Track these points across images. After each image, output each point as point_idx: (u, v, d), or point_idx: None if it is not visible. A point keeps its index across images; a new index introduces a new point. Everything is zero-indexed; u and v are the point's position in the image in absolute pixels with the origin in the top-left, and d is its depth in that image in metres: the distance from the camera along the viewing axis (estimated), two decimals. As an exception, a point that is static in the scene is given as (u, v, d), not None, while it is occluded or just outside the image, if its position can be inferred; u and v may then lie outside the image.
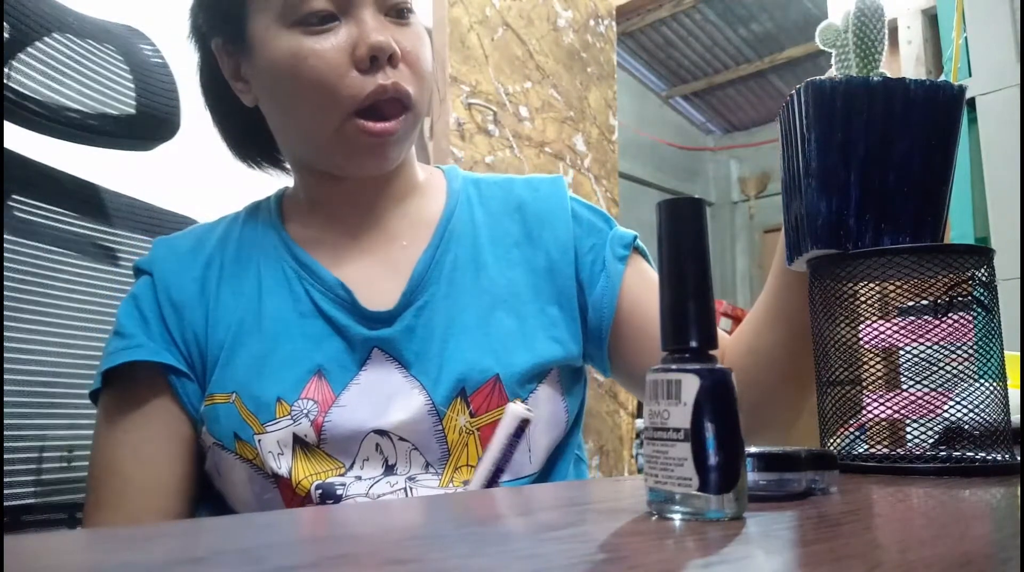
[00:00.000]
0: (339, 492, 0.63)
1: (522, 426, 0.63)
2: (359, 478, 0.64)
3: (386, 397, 0.66)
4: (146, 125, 0.91)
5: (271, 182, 0.83)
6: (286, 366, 0.67)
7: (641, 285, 0.75)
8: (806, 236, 0.55)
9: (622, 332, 0.74)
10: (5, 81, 0.79)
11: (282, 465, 0.63)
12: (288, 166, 0.80)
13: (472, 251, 0.73)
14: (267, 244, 0.73)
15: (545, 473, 0.70)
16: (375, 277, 0.71)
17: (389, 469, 0.65)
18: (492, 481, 0.63)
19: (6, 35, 0.78)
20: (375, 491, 0.63)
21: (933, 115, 0.54)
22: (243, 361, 0.67)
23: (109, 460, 0.68)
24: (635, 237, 0.79)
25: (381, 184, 0.74)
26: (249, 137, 0.78)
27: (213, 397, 0.67)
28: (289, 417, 0.65)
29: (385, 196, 0.75)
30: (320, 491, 0.63)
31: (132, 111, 0.89)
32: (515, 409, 0.63)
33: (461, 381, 0.66)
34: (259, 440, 0.64)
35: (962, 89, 0.55)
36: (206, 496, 0.71)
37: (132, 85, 0.89)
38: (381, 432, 0.65)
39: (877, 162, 0.53)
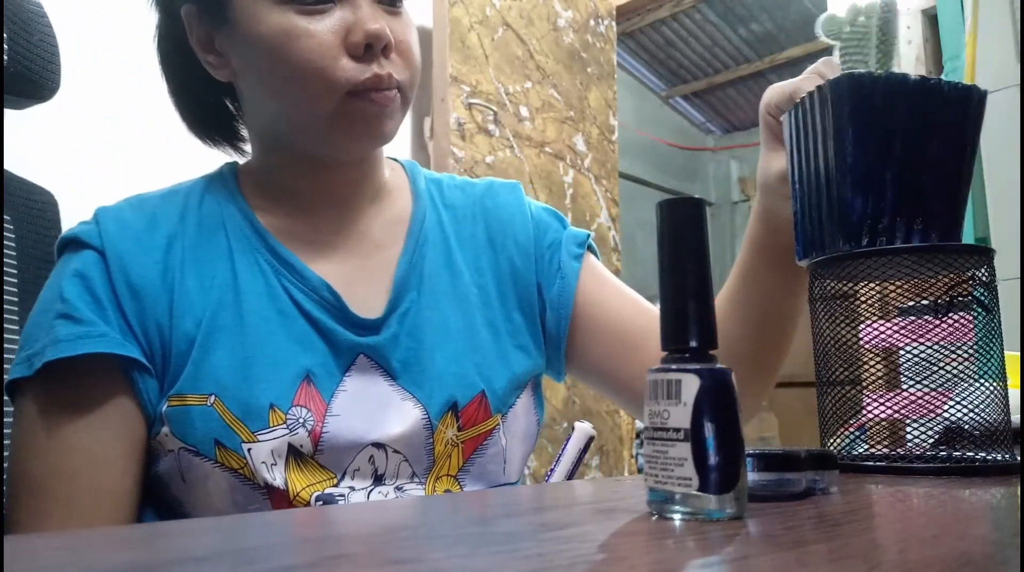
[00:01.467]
0: (340, 502, 0.62)
1: (589, 443, 0.64)
2: (352, 489, 0.63)
3: (377, 407, 0.64)
4: (19, 82, 0.78)
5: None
6: (274, 369, 0.62)
7: (595, 282, 0.76)
8: (836, 233, 0.54)
9: (579, 328, 0.75)
10: None
11: (276, 476, 0.60)
12: (246, 147, 0.76)
13: (445, 255, 0.73)
14: (234, 228, 0.68)
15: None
16: (355, 279, 0.69)
17: (378, 479, 0.64)
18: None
19: None
20: (372, 500, 0.63)
21: (964, 116, 0.54)
22: (222, 360, 0.62)
23: (54, 463, 0.60)
24: (588, 236, 0.79)
25: (357, 178, 0.72)
26: (211, 113, 0.75)
27: (184, 398, 0.61)
28: (284, 426, 0.61)
29: (359, 193, 0.72)
30: (321, 503, 0.61)
31: (3, 64, 0.75)
32: (583, 428, 0.64)
33: (453, 396, 0.66)
34: (249, 449, 0.60)
35: (986, 92, 0.55)
36: (151, 501, 0.65)
37: (3, 34, 0.75)
38: (378, 444, 0.63)
39: (913, 160, 0.53)
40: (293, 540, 0.30)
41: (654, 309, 0.77)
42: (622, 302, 0.76)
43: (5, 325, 0.76)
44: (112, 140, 1.82)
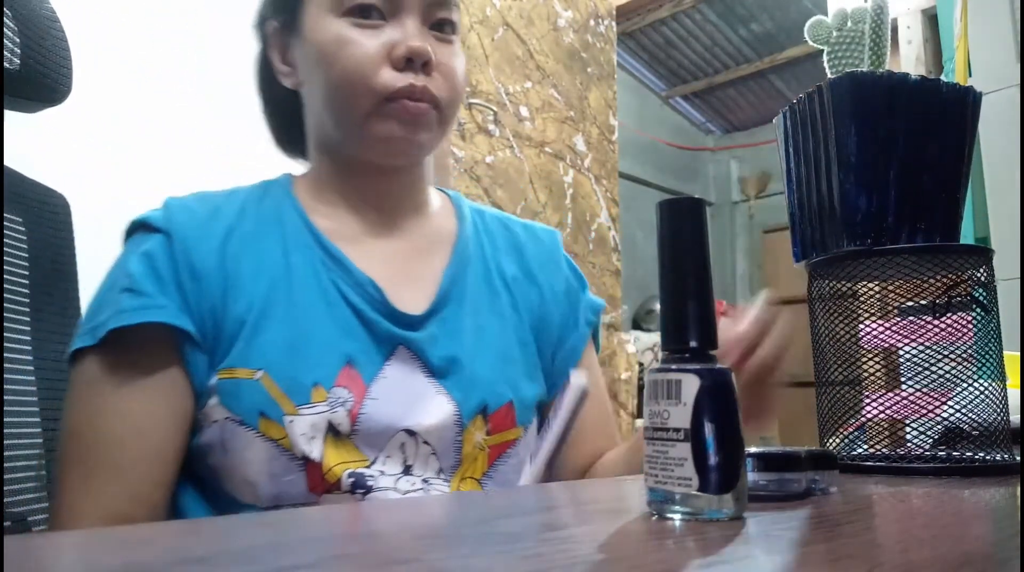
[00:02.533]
0: (369, 483, 0.64)
1: (583, 398, 0.64)
2: (382, 473, 0.65)
3: (414, 397, 0.68)
4: (32, 86, 0.79)
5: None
6: (319, 351, 0.67)
7: (589, 360, 0.82)
8: (839, 233, 0.54)
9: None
10: None
11: (313, 449, 0.63)
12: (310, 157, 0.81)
13: (485, 276, 0.78)
14: (290, 227, 0.73)
15: None
16: (400, 281, 0.73)
17: (407, 469, 0.66)
18: (556, 453, 0.64)
19: None
20: (400, 487, 0.65)
21: (963, 117, 0.54)
22: (272, 339, 0.67)
23: (104, 429, 0.64)
24: (602, 306, 0.86)
25: (404, 187, 0.78)
26: (293, 124, 0.81)
27: (233, 371, 0.66)
28: (326, 403, 0.65)
29: (406, 203, 0.78)
30: (353, 480, 0.64)
31: (16, 68, 0.76)
32: (576, 382, 0.63)
33: (484, 400, 0.70)
34: (290, 421, 0.64)
35: (981, 94, 0.55)
36: (187, 473, 0.68)
37: (17, 39, 0.76)
38: (410, 432, 0.67)
39: (913, 160, 0.53)
40: (293, 540, 0.30)
41: (611, 425, 0.85)
42: (600, 393, 0.83)
43: (18, 324, 0.77)
44: (122, 143, 1.83)
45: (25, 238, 0.81)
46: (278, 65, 0.77)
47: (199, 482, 0.68)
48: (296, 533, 0.32)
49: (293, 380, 0.65)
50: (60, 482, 0.65)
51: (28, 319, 0.79)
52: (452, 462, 0.68)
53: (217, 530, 0.33)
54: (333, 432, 0.64)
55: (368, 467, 0.65)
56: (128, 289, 0.66)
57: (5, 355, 0.74)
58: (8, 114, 0.79)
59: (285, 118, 0.82)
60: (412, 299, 0.72)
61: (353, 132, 0.72)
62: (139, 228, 0.71)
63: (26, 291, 0.80)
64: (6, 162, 0.80)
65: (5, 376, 0.74)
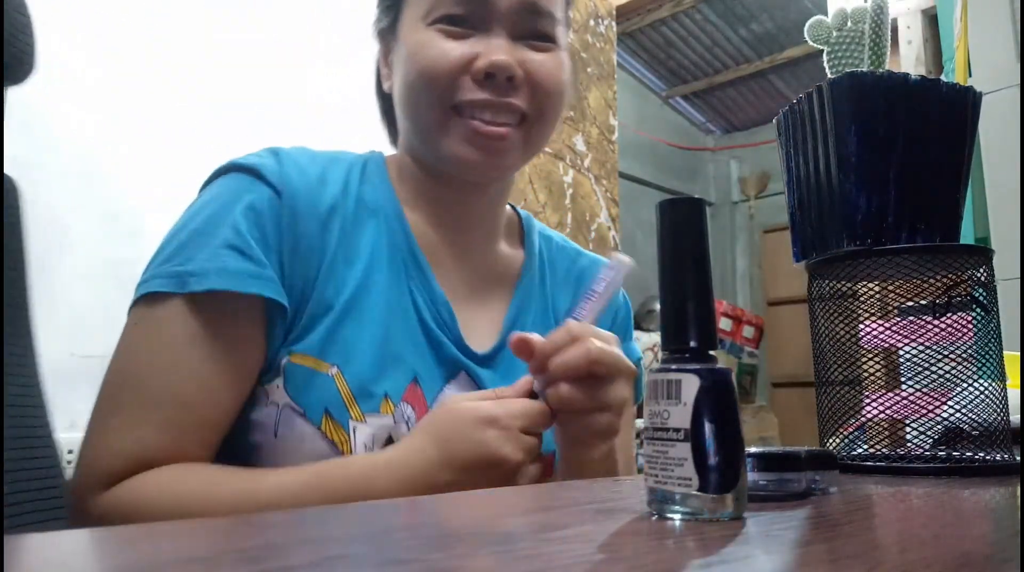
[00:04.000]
0: None
1: (621, 269, 0.64)
2: None
3: None
4: None
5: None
6: (393, 362, 0.66)
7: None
8: (839, 233, 0.54)
9: None
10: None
11: None
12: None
13: (543, 315, 0.78)
14: (386, 220, 0.71)
15: None
16: (466, 306, 0.73)
17: None
18: (586, 308, 0.64)
19: None
20: None
21: (963, 117, 0.54)
22: (353, 338, 0.64)
23: (175, 386, 0.60)
24: (639, 358, 0.83)
25: (484, 205, 0.76)
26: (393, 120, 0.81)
27: (306, 358, 0.63)
28: (391, 416, 0.64)
29: (485, 224, 0.77)
30: None
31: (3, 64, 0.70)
32: (622, 258, 0.64)
33: None
34: (355, 428, 0.63)
35: (981, 94, 0.55)
36: (225, 441, 0.64)
37: (3, 39, 0.69)
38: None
39: (914, 160, 0.53)
40: (293, 540, 0.30)
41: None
42: (625, 439, 0.80)
43: None
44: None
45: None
46: (381, 66, 0.78)
47: (234, 455, 0.65)
48: (296, 533, 0.32)
49: (365, 385, 0.63)
50: (101, 420, 0.61)
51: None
52: None
53: (217, 530, 0.33)
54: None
55: None
56: (235, 247, 0.61)
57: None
58: None
59: (391, 120, 0.81)
60: (476, 332, 0.72)
61: (427, 143, 0.71)
62: (245, 170, 0.66)
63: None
64: None
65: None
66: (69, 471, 0.86)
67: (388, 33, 0.75)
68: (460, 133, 0.68)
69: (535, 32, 0.70)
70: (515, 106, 0.68)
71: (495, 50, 0.67)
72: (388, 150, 0.81)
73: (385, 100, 0.81)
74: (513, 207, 0.84)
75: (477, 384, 0.69)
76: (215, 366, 0.61)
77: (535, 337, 0.60)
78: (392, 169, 0.77)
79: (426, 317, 0.69)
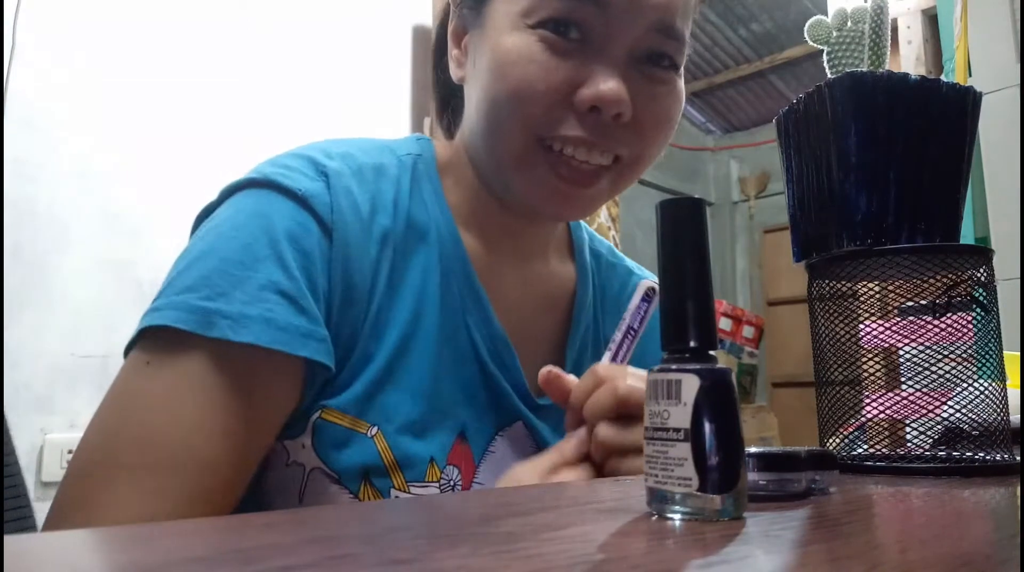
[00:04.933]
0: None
1: (650, 295, 0.58)
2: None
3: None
4: None
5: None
6: (440, 419, 0.58)
7: None
8: (839, 232, 0.54)
9: None
10: None
11: None
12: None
13: (594, 345, 0.71)
14: (437, 239, 0.61)
15: None
16: (523, 341, 0.64)
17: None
18: (628, 347, 0.59)
19: None
20: None
21: (963, 117, 0.54)
22: (399, 395, 0.56)
23: (200, 443, 0.49)
24: None
25: (551, 229, 0.69)
26: (455, 111, 0.71)
27: (343, 417, 0.54)
28: (436, 484, 0.57)
29: (545, 244, 0.68)
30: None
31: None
32: (645, 282, 0.59)
33: None
34: (396, 498, 0.55)
35: (981, 94, 0.55)
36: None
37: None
38: None
39: (914, 160, 0.53)
40: (293, 540, 0.30)
41: None
42: None
43: None
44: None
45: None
46: (451, 47, 0.65)
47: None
48: (296, 533, 0.32)
49: (409, 451, 0.55)
50: (98, 485, 0.48)
51: None
52: None
53: (217, 530, 0.33)
54: None
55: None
56: (284, 294, 0.51)
57: None
58: None
59: (445, 101, 0.72)
60: (535, 372, 0.60)
61: (499, 170, 0.60)
62: (288, 195, 0.54)
63: None
64: None
65: None
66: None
67: (472, 11, 0.62)
68: (543, 170, 0.57)
69: (659, 56, 0.58)
70: (612, 147, 0.57)
71: (608, 78, 0.55)
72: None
73: (443, 87, 0.70)
74: None
75: (532, 435, 0.63)
76: (246, 427, 0.51)
77: (568, 378, 0.55)
78: (445, 172, 0.66)
79: (485, 359, 0.60)
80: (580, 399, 0.54)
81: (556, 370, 0.56)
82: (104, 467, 0.48)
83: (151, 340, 0.50)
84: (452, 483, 0.58)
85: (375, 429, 0.55)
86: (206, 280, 0.50)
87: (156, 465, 0.48)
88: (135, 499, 0.47)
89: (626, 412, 0.53)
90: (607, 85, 0.54)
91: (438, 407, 0.57)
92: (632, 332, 0.59)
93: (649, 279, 0.60)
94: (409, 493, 0.56)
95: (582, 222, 0.75)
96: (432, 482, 0.57)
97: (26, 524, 0.59)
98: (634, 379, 0.53)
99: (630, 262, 0.80)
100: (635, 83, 0.57)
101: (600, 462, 0.54)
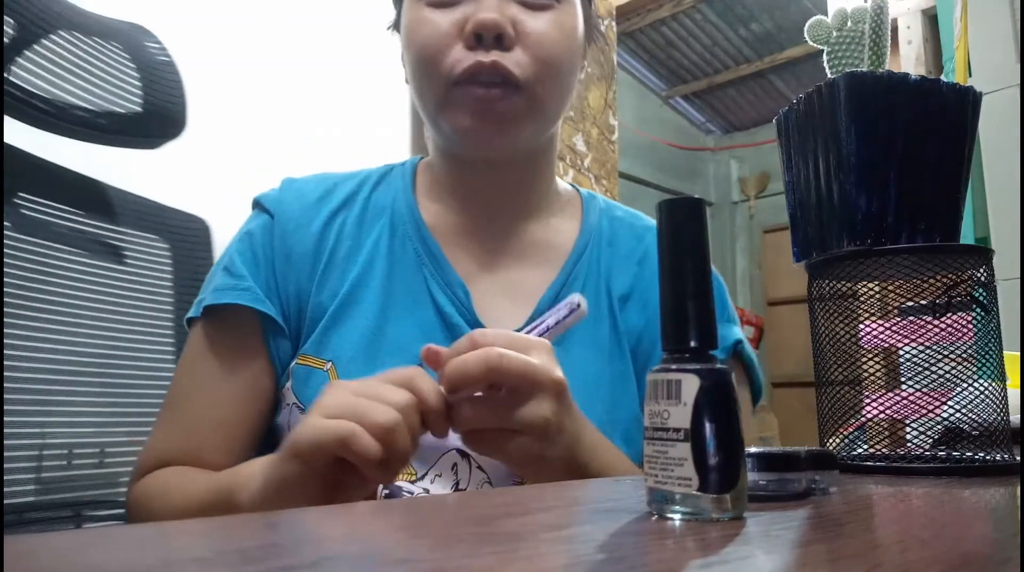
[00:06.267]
0: (405, 497, 0.60)
1: (573, 312, 0.57)
2: (426, 491, 0.62)
3: None
4: (152, 123, 0.94)
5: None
6: (393, 353, 0.64)
7: None
8: (839, 232, 0.54)
9: None
10: (12, 78, 0.79)
11: None
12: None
13: (593, 298, 0.71)
14: (398, 215, 0.72)
15: None
16: (493, 290, 0.70)
17: (458, 491, 0.62)
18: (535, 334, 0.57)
19: (11, 32, 0.79)
20: None
21: (962, 116, 0.54)
22: (349, 333, 0.65)
23: (186, 388, 0.68)
24: (736, 342, 0.76)
25: (511, 183, 0.73)
26: None
27: (307, 358, 0.66)
28: None
29: (516, 203, 0.74)
30: (387, 492, 0.61)
31: (139, 109, 0.92)
32: (574, 297, 0.57)
33: None
34: None
35: (981, 94, 0.55)
36: (270, 448, 0.65)
37: (139, 83, 0.92)
38: (463, 453, 0.62)
39: (914, 160, 0.53)
40: (293, 540, 0.30)
41: None
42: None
43: (164, 337, 0.93)
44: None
45: (170, 260, 0.95)
46: (401, 61, 0.73)
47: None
48: (296, 533, 0.32)
49: (359, 376, 0.56)
50: (154, 427, 0.69)
51: (172, 333, 0.92)
52: None
53: (217, 530, 0.33)
54: None
55: (413, 481, 0.61)
56: (226, 268, 0.68)
57: (158, 365, 0.88)
58: (141, 152, 0.96)
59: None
60: (504, 313, 0.68)
61: (435, 122, 0.69)
62: (255, 205, 0.73)
63: (171, 307, 0.93)
64: (149, 195, 0.98)
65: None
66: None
67: (396, 17, 0.74)
68: (458, 104, 0.65)
69: None
70: (504, 68, 0.63)
71: (483, 10, 0.63)
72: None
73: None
74: (575, 187, 0.81)
75: None
76: (220, 374, 0.67)
77: (444, 350, 0.51)
78: (423, 169, 0.77)
79: (440, 301, 0.67)
80: (446, 359, 0.50)
81: (433, 346, 0.52)
82: (160, 412, 0.70)
83: (189, 329, 0.70)
84: None
85: (329, 364, 0.65)
86: (206, 280, 0.71)
87: (171, 410, 0.68)
88: (159, 431, 0.68)
89: (497, 384, 0.48)
90: (483, 14, 0.63)
91: (391, 342, 0.65)
92: (547, 330, 0.57)
93: (579, 294, 0.59)
94: None
95: (598, 196, 0.80)
96: None
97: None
98: (520, 349, 0.49)
99: (651, 221, 0.80)
100: (513, 11, 0.65)
101: (470, 441, 0.51)
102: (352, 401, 0.47)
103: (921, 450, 0.52)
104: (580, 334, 0.68)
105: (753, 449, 0.39)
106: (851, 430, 0.54)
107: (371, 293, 0.67)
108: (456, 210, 0.73)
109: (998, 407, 0.50)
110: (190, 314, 0.69)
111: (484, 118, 0.65)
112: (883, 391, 0.52)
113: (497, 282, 0.71)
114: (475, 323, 0.67)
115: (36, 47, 0.82)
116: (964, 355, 0.51)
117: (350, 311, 0.66)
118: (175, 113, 0.94)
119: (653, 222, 0.79)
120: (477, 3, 0.65)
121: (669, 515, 0.33)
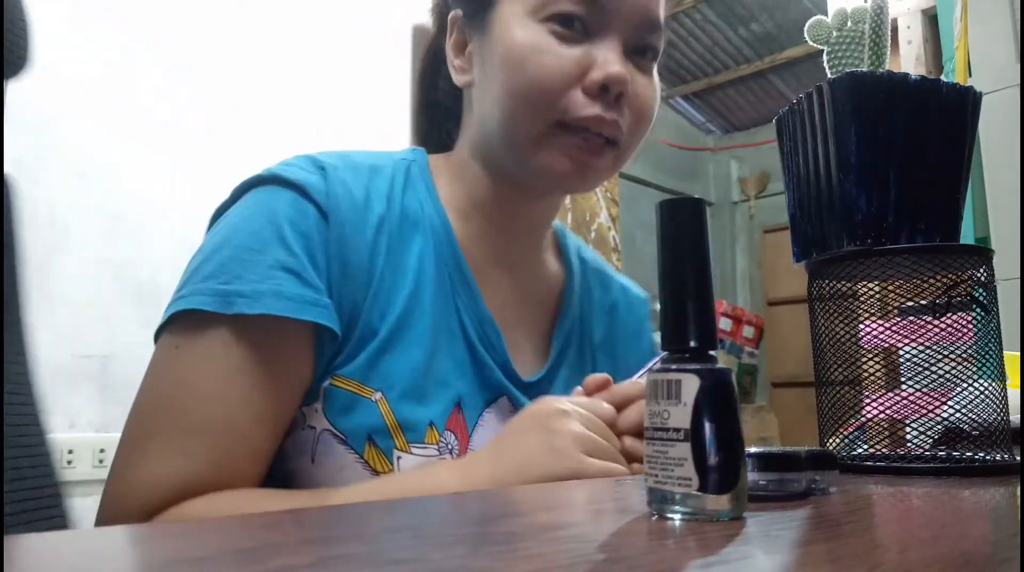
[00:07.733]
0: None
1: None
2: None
3: None
4: None
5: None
6: (438, 388, 0.63)
7: None
8: (839, 233, 0.54)
9: None
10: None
11: None
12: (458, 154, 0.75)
13: (579, 342, 0.76)
14: (431, 232, 0.67)
15: None
16: (513, 325, 0.71)
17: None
18: None
19: None
20: None
21: (963, 116, 0.54)
22: (398, 362, 0.61)
23: (221, 414, 0.55)
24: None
25: (546, 215, 0.74)
26: (447, 119, 0.78)
27: (349, 382, 0.60)
28: (435, 447, 0.61)
29: (537, 233, 0.75)
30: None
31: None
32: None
33: None
34: (399, 458, 0.60)
35: (981, 94, 0.55)
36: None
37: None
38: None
39: (914, 160, 0.53)
40: (293, 540, 0.30)
41: None
42: None
43: None
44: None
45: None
46: (453, 59, 0.71)
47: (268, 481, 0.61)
48: (296, 533, 0.32)
49: (410, 413, 0.60)
50: (134, 448, 0.56)
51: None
52: None
53: (217, 530, 0.33)
54: None
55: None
56: (290, 270, 0.57)
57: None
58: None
59: (437, 114, 0.78)
60: (523, 356, 0.70)
61: (518, 153, 0.65)
62: (289, 186, 0.61)
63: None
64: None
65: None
66: (69, 471, 0.86)
67: (474, 22, 0.68)
68: (560, 148, 0.64)
69: (645, 48, 0.66)
70: (618, 128, 0.64)
71: (613, 61, 0.62)
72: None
73: (427, 94, 0.77)
74: None
75: (516, 409, 0.66)
76: (266, 393, 0.57)
77: (618, 386, 0.61)
78: (439, 173, 0.72)
79: (473, 339, 0.66)
80: (627, 395, 0.60)
81: (603, 377, 0.62)
82: (137, 437, 0.56)
83: (178, 325, 0.57)
84: (450, 447, 0.62)
85: (379, 394, 0.60)
86: (223, 267, 0.57)
87: (183, 429, 0.55)
88: (163, 459, 0.55)
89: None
90: (615, 67, 0.62)
91: (435, 377, 0.63)
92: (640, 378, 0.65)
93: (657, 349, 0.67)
94: (411, 453, 0.60)
95: (568, 231, 0.83)
96: (431, 444, 0.61)
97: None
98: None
99: (611, 269, 0.86)
100: (630, 67, 0.65)
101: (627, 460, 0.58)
102: (602, 445, 0.56)
103: (921, 450, 0.52)
104: (577, 373, 0.73)
105: (753, 449, 0.39)
106: (851, 430, 0.54)
107: (422, 321, 0.63)
108: (490, 234, 0.71)
109: (998, 407, 0.50)
110: (207, 308, 0.55)
111: (580, 165, 0.65)
112: (883, 391, 0.52)
113: (515, 318, 0.72)
114: (504, 366, 0.67)
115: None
116: (964, 355, 0.51)
117: (401, 341, 0.62)
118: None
119: (614, 272, 0.85)
120: (602, 48, 0.63)
121: (669, 515, 0.33)
